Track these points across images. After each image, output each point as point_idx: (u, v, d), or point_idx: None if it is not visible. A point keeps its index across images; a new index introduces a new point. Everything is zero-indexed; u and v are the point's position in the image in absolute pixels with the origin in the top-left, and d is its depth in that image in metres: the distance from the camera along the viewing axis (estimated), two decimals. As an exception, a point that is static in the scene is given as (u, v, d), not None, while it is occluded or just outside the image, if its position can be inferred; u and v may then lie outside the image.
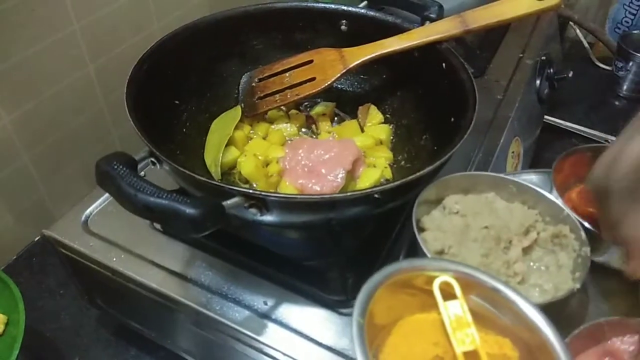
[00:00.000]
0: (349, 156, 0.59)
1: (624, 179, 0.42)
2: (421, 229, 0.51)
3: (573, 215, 0.50)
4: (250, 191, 0.44)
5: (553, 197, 0.52)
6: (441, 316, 0.38)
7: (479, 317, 0.38)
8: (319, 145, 0.61)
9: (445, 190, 0.53)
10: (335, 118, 0.72)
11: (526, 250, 0.50)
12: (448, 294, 0.39)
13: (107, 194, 0.64)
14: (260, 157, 0.63)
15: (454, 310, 0.38)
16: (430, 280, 0.39)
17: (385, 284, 0.39)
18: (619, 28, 1.19)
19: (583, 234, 0.49)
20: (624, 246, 0.46)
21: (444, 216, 0.52)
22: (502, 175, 0.54)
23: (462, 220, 0.51)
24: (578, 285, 0.46)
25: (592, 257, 0.48)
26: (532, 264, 0.50)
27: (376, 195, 0.46)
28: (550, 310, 0.39)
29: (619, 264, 0.51)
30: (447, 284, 0.39)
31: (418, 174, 0.46)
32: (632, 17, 1.16)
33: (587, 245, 0.48)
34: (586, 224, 0.50)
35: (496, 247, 0.49)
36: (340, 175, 0.58)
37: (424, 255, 0.47)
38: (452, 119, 0.55)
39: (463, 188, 0.54)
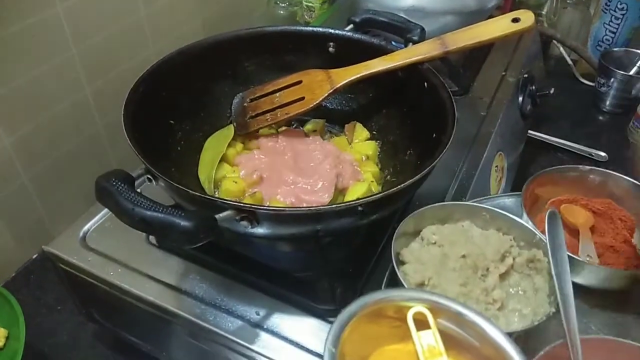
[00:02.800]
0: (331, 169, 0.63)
1: None
2: (401, 262, 0.53)
3: (544, 238, 0.51)
4: (241, 204, 0.47)
5: (524, 222, 0.53)
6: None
7: (453, 343, 0.40)
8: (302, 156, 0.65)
9: (423, 221, 0.55)
10: (328, 133, 0.75)
11: (503, 276, 0.51)
12: (424, 323, 0.41)
13: (104, 211, 0.66)
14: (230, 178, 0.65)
15: (427, 340, 0.40)
16: (405, 310, 0.41)
17: (361, 314, 0.41)
18: (600, 46, 1.23)
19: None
20: None
21: (422, 247, 0.54)
22: (476, 203, 0.56)
23: (440, 250, 0.52)
24: (554, 309, 0.48)
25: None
26: (510, 289, 0.51)
27: (360, 208, 0.48)
28: (531, 333, 0.41)
29: (593, 283, 0.52)
30: (423, 313, 0.41)
31: (399, 186, 0.49)
32: (612, 35, 1.20)
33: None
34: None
35: (474, 276, 0.50)
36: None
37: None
38: (434, 135, 0.58)
39: (440, 218, 0.55)
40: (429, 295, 0.42)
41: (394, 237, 0.52)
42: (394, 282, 0.51)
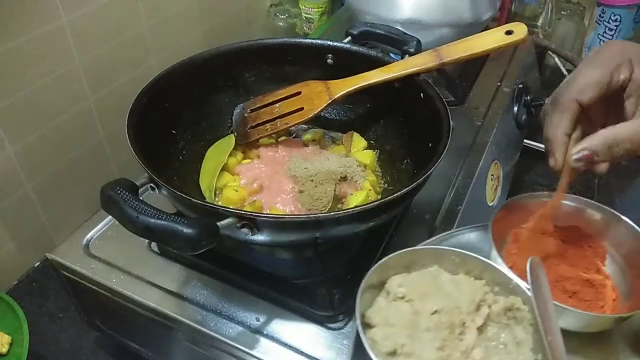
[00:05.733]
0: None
1: (556, 94, 0.53)
2: (367, 325, 0.46)
3: (522, 284, 0.46)
4: (242, 212, 0.48)
5: (497, 263, 0.49)
6: None
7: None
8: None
9: (387, 271, 0.49)
10: (330, 140, 0.76)
11: (481, 329, 0.46)
12: None
13: (107, 219, 0.68)
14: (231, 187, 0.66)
15: None
16: None
17: None
18: (595, 56, 1.25)
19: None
20: (546, 145, 0.52)
21: (389, 304, 0.47)
22: (444, 247, 0.51)
23: (410, 306, 0.46)
24: None
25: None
26: (489, 343, 0.46)
27: (358, 215, 0.49)
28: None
29: (573, 328, 0.48)
30: None
31: (396, 194, 0.50)
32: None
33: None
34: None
35: (451, 336, 0.45)
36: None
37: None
38: (430, 144, 0.59)
39: (405, 265, 0.50)
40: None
41: (358, 294, 0.45)
42: (361, 350, 0.43)
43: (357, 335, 0.44)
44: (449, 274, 0.49)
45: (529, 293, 0.45)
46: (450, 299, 0.46)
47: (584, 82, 0.51)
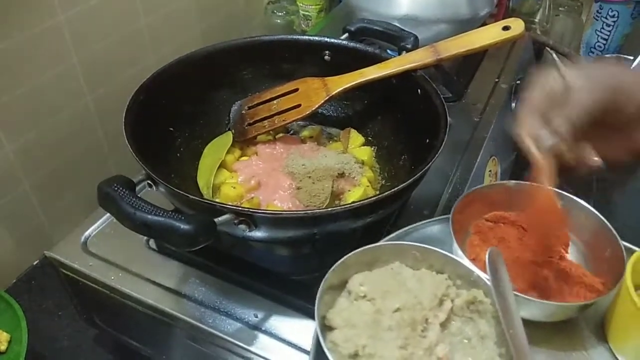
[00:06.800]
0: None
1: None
2: (328, 328, 0.44)
3: (484, 276, 0.46)
4: (239, 208, 0.48)
5: (458, 256, 0.49)
6: None
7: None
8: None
9: (348, 270, 0.48)
10: (328, 136, 0.76)
11: (444, 324, 0.45)
12: None
13: (105, 217, 0.68)
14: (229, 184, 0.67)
15: None
16: None
17: None
18: (593, 52, 1.24)
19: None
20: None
21: (351, 304, 0.46)
22: (404, 242, 0.51)
23: (372, 305, 0.45)
24: None
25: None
26: (453, 338, 0.45)
27: (356, 210, 0.49)
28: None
29: (538, 318, 0.47)
30: None
31: (393, 190, 0.50)
32: (604, 42, 1.22)
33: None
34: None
35: (413, 334, 0.44)
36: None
37: None
38: (427, 140, 0.59)
39: (366, 263, 0.49)
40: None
41: (317, 296, 0.44)
42: (321, 354, 0.42)
43: (317, 339, 0.43)
44: (411, 270, 0.49)
45: (489, 283, 0.45)
46: (413, 295, 0.46)
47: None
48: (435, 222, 0.58)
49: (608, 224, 0.51)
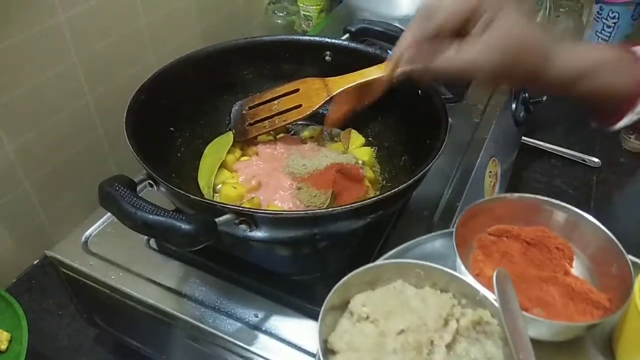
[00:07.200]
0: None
1: None
2: (330, 352, 0.43)
3: (490, 295, 0.45)
4: (240, 208, 0.48)
5: (463, 275, 0.47)
6: None
7: None
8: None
9: (349, 290, 0.47)
10: (328, 136, 0.76)
11: (450, 346, 0.44)
12: None
13: (105, 217, 0.68)
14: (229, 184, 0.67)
15: None
16: None
17: None
18: (593, 53, 1.25)
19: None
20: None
21: (353, 326, 0.45)
22: (407, 260, 0.49)
23: (375, 327, 0.44)
24: None
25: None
26: (459, 359, 0.44)
27: (356, 211, 0.50)
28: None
29: (545, 338, 0.47)
30: None
31: (393, 190, 0.50)
32: (605, 42, 1.22)
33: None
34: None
35: (419, 357, 0.42)
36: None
37: None
38: (428, 141, 0.59)
39: (368, 282, 0.47)
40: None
41: (319, 318, 0.43)
42: None
43: None
44: (414, 288, 0.47)
45: (497, 305, 0.44)
46: (417, 315, 0.44)
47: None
48: (438, 237, 0.56)
49: (614, 238, 0.49)
